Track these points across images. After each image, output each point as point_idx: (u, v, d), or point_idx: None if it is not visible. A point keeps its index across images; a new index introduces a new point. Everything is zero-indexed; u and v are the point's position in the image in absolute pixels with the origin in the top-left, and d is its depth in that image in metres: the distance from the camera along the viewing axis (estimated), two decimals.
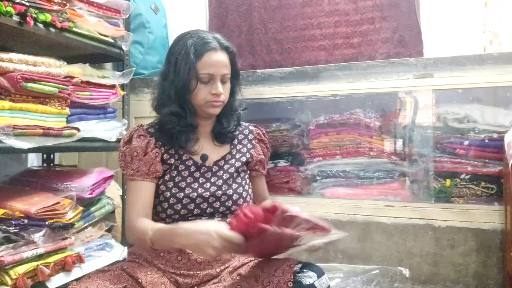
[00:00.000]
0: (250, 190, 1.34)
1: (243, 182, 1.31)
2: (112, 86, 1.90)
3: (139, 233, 1.16)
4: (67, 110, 1.65)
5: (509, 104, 1.97)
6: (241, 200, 1.27)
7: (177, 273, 1.17)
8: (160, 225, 1.15)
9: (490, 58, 1.83)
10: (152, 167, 1.24)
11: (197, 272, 1.17)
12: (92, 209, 1.79)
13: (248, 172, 1.37)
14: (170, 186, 1.24)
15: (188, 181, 1.26)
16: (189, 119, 1.27)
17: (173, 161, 1.27)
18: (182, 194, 1.23)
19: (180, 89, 1.25)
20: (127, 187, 1.29)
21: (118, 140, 1.83)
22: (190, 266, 1.17)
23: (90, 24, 1.77)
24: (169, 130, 1.28)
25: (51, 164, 2.18)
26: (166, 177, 1.26)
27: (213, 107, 1.25)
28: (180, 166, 1.27)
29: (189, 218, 1.23)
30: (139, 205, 1.22)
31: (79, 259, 1.64)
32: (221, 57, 1.25)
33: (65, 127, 1.63)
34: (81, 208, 1.66)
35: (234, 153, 1.34)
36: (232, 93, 1.33)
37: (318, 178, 2.17)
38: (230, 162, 1.32)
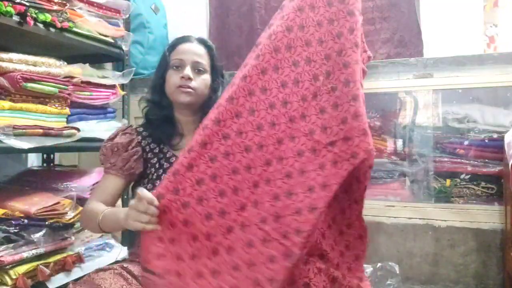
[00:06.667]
0: None
1: None
2: (112, 86, 1.90)
3: (89, 214, 1.19)
4: (67, 110, 1.65)
5: (509, 104, 1.97)
6: None
7: None
8: (109, 209, 1.16)
9: (490, 58, 1.83)
10: (129, 164, 1.26)
11: None
12: None
13: None
14: (157, 184, 1.25)
15: None
16: (166, 111, 1.30)
17: (156, 159, 1.28)
18: None
19: (157, 82, 1.31)
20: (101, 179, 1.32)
21: None
22: None
23: (90, 24, 1.77)
24: (152, 122, 1.30)
25: (51, 164, 2.17)
26: (154, 176, 1.26)
27: (182, 92, 1.25)
28: (165, 164, 1.28)
29: None
30: (99, 193, 1.25)
31: (79, 259, 1.64)
32: (194, 47, 1.29)
33: (65, 127, 1.63)
34: (81, 208, 1.66)
35: None
36: (213, 89, 1.33)
37: None
38: None
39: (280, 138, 0.94)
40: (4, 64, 1.43)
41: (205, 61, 1.28)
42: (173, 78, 1.26)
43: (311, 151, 0.94)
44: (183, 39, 1.31)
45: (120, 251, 1.84)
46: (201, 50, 1.29)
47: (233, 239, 0.90)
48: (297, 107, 0.96)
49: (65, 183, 1.72)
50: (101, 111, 1.87)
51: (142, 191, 0.95)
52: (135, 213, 0.95)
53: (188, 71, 1.24)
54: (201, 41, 1.31)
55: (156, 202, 0.94)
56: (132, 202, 0.97)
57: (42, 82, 1.52)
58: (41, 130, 1.51)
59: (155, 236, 0.92)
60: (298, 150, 0.94)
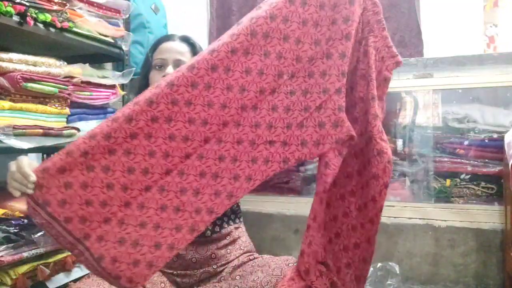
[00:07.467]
0: None
1: None
2: (112, 86, 1.90)
3: None
4: (67, 110, 1.65)
5: (509, 104, 1.97)
6: None
7: (175, 273, 1.17)
8: None
9: (490, 58, 1.83)
10: None
11: (194, 271, 1.17)
12: None
13: None
14: None
15: None
16: None
17: None
18: None
19: (141, 84, 1.29)
20: None
21: None
22: (186, 266, 1.18)
23: (90, 24, 1.77)
24: None
25: None
26: None
27: None
28: None
29: None
30: None
31: None
32: (176, 45, 1.26)
33: (65, 127, 1.63)
34: None
35: None
36: None
37: None
38: None
39: (226, 121, 0.94)
40: (4, 64, 1.43)
41: (187, 59, 1.24)
42: (155, 78, 1.23)
43: (250, 143, 0.96)
44: (165, 38, 1.29)
45: None
46: (183, 48, 1.26)
47: (148, 198, 0.92)
48: (252, 97, 0.95)
49: None
50: (101, 111, 1.87)
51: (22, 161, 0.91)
52: (14, 183, 0.93)
53: (170, 70, 1.21)
54: (184, 39, 1.29)
55: (32, 178, 0.89)
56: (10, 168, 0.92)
57: (42, 82, 1.52)
58: (41, 130, 1.51)
59: (62, 182, 0.88)
60: (239, 138, 0.95)
